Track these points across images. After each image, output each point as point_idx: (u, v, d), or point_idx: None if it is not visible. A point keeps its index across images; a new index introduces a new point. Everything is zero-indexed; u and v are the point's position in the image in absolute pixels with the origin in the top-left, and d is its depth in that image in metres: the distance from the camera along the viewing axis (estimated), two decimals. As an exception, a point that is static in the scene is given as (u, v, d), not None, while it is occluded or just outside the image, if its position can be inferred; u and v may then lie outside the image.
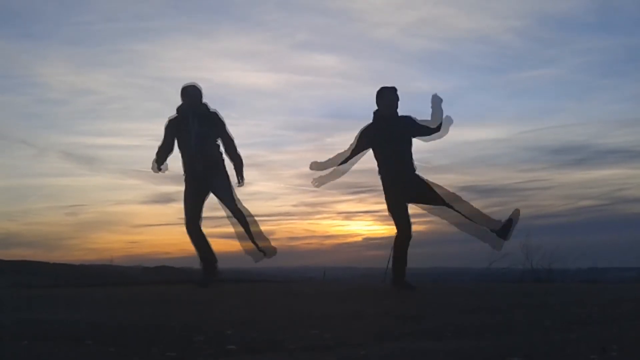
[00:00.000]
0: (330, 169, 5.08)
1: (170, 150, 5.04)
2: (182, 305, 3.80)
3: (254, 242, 5.06)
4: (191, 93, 5.01)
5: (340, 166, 5.06)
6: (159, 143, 5.05)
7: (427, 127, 4.86)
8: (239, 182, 5.07)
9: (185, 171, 5.00)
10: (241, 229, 5.01)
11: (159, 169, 5.04)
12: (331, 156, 5.07)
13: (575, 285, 6.17)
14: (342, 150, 5.02)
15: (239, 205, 5.00)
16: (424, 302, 4.07)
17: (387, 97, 4.85)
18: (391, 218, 4.75)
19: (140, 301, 4.04)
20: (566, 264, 7.61)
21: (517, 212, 4.76)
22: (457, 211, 4.74)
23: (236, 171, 5.07)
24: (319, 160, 5.09)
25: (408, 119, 4.90)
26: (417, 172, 4.83)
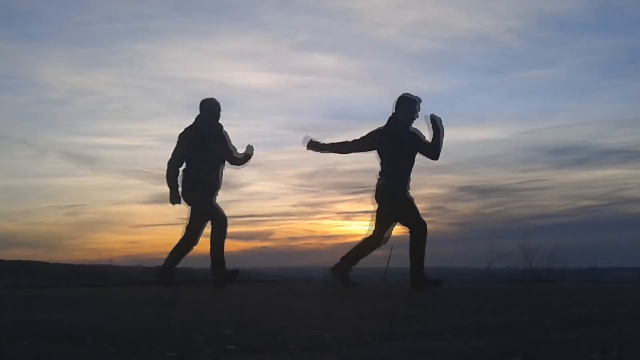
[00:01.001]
0: (325, 144, 5.04)
1: (181, 164, 5.04)
2: (182, 306, 3.80)
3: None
4: (215, 108, 5.08)
5: (335, 147, 5.03)
6: (170, 157, 4.98)
7: (430, 147, 4.88)
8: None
9: (202, 180, 4.98)
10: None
11: (177, 200, 4.98)
12: (333, 142, 5.04)
13: (575, 285, 6.17)
14: (345, 141, 5.00)
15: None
16: (424, 302, 4.07)
17: (413, 107, 4.91)
18: (405, 221, 4.78)
19: (140, 301, 4.04)
20: (566, 264, 7.60)
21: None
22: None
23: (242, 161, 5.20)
24: (315, 140, 5.03)
25: (418, 135, 4.93)
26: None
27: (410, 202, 4.81)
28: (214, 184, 5.05)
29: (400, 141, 4.84)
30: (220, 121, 5.15)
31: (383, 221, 4.87)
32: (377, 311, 3.37)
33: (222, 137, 5.13)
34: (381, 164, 4.88)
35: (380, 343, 2.28)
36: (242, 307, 3.67)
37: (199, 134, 5.00)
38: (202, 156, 4.96)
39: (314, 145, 5.02)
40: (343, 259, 4.97)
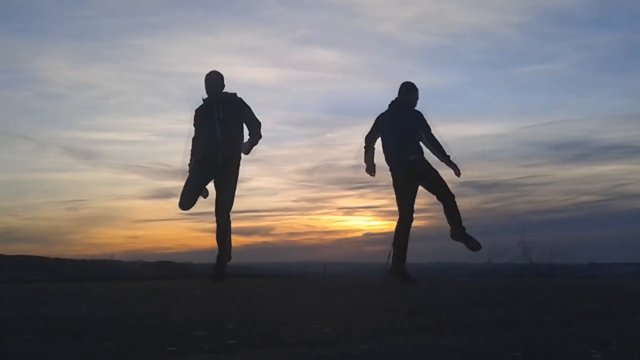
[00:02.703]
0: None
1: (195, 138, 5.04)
2: (182, 301, 3.80)
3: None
4: (211, 80, 4.99)
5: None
6: (191, 135, 5.02)
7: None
8: (244, 150, 4.91)
9: (198, 155, 4.93)
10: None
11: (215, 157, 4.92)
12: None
13: (575, 281, 6.18)
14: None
15: (226, 212, 4.90)
16: (423, 297, 4.08)
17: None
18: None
19: (140, 296, 4.04)
20: (566, 260, 7.61)
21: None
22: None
23: (249, 141, 4.92)
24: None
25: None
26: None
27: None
28: (216, 161, 4.88)
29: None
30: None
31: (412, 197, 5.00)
32: (377, 306, 3.38)
33: (229, 104, 4.94)
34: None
35: (380, 338, 2.28)
36: (243, 302, 3.67)
37: (202, 107, 4.99)
38: (204, 127, 4.94)
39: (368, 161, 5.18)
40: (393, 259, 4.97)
